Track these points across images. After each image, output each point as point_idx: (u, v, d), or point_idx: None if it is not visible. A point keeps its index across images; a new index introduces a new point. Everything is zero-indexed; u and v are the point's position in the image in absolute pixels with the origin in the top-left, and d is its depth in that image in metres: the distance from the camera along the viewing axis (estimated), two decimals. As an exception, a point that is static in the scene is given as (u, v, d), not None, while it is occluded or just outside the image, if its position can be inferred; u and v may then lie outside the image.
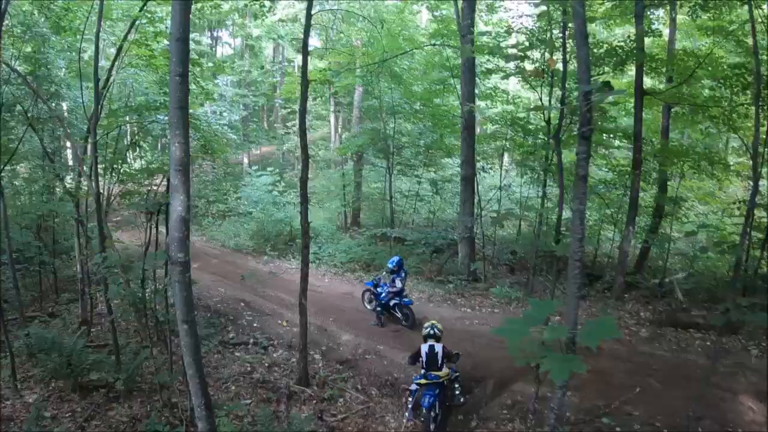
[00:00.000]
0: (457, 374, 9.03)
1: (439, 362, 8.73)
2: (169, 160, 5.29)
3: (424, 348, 8.79)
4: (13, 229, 12.62)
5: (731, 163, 17.28)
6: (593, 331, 4.55)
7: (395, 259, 12.96)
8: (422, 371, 8.74)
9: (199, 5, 13.59)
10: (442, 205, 21.96)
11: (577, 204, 5.32)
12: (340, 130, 31.38)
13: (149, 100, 12.43)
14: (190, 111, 13.48)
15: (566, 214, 17.40)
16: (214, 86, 21.82)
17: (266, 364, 10.87)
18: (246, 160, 31.48)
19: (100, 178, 10.60)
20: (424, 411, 8.43)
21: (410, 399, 8.92)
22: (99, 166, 10.50)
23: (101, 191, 10.43)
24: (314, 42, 32.66)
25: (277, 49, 34.27)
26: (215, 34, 34.48)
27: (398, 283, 12.61)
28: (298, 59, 27.91)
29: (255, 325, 13.05)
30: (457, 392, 8.91)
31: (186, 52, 5.18)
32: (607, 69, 15.24)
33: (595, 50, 14.83)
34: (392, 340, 11.86)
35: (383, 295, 12.75)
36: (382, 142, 19.82)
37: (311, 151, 33.86)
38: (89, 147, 10.56)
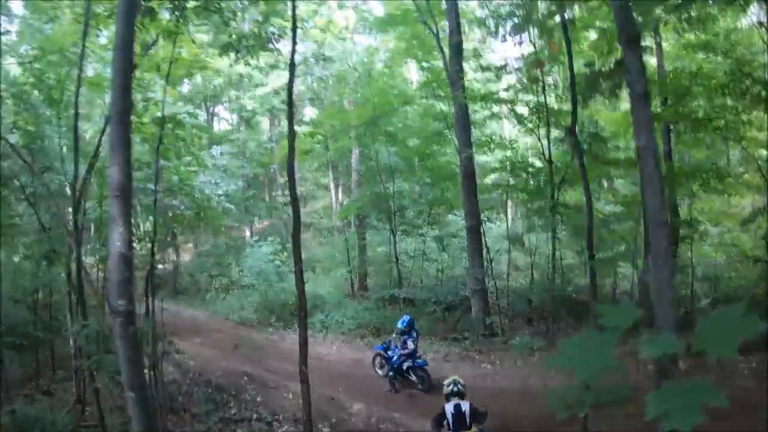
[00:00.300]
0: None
1: (468, 422, 7.53)
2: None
3: (449, 408, 7.56)
4: (7, 304, 11.92)
5: (740, 174, 16.40)
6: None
7: (405, 318, 11.96)
8: None
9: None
10: (450, 263, 20.99)
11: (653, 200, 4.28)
12: (340, 196, 30.76)
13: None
14: (187, 183, 12.88)
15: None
16: (210, 157, 21.32)
17: None
18: (248, 233, 30.72)
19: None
20: None
21: None
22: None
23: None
24: (308, 111, 32.62)
25: (273, 121, 34.02)
26: (212, 110, 34.34)
27: (410, 344, 11.57)
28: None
29: (258, 399, 11.89)
30: None
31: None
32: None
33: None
34: (409, 406, 10.74)
35: (395, 358, 11.70)
36: (383, 203, 19.14)
37: (312, 220, 33.29)
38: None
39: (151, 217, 13.69)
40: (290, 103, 8.52)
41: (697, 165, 15.93)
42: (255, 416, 10.93)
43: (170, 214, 12.96)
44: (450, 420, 7.52)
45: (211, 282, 25.15)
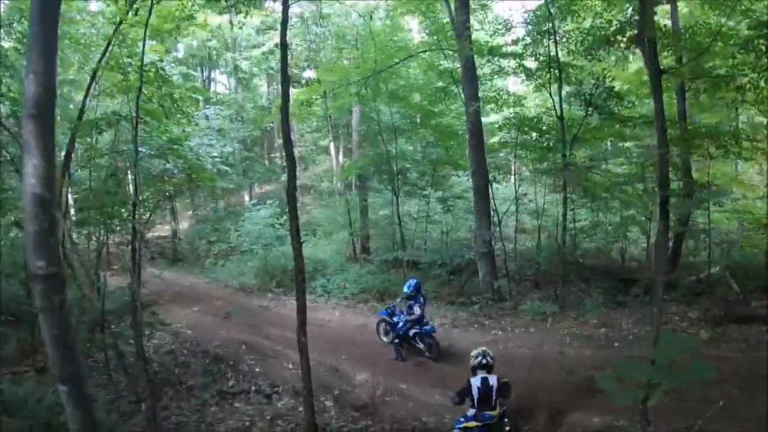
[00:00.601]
0: (504, 408, 6.99)
1: (494, 399, 6.78)
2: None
3: (476, 382, 6.80)
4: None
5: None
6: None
7: (411, 282, 11.03)
8: (472, 411, 6.78)
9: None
10: (455, 225, 20.09)
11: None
12: (341, 159, 29.68)
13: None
14: (177, 144, 11.88)
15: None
16: (205, 119, 20.21)
17: (268, 417, 8.91)
18: (247, 197, 29.78)
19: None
20: None
21: None
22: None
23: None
24: (307, 74, 31.37)
25: (270, 83, 32.76)
26: (208, 74, 32.97)
27: (417, 310, 10.70)
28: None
29: (257, 369, 11.09)
30: (507, 428, 6.93)
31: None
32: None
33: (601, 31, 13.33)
34: (417, 375, 9.90)
35: (400, 324, 10.84)
36: (385, 164, 18.18)
37: (313, 182, 32.32)
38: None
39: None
40: (284, 43, 7.45)
41: (712, 127, 14.85)
42: (254, 388, 10.13)
43: (160, 176, 11.90)
44: (476, 395, 6.74)
45: (209, 249, 24.31)
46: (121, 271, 18.10)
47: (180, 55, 26.97)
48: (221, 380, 10.62)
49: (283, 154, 32.16)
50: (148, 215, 15.22)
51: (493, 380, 6.83)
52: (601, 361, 9.42)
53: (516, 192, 16.51)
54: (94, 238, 10.46)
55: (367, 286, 16.31)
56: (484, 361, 6.96)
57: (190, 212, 30.61)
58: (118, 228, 10.26)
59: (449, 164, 18.46)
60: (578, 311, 12.35)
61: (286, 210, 21.41)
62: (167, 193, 15.05)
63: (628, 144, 16.75)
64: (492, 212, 14.87)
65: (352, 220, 20.42)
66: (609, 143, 18.08)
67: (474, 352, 7.13)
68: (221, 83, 36.26)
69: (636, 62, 18.24)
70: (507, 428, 6.89)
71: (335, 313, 14.80)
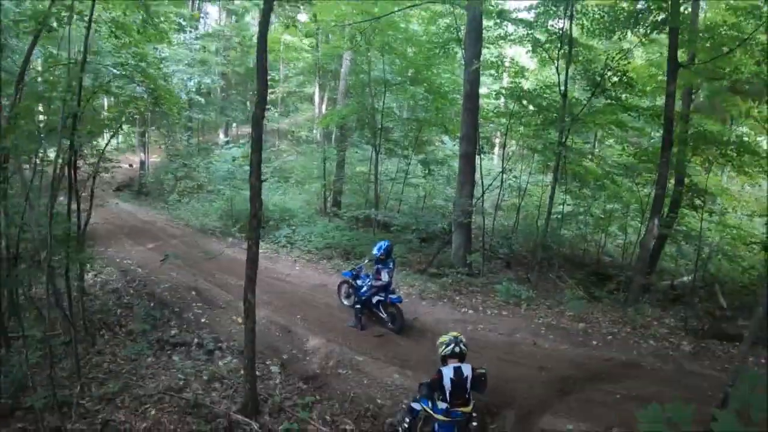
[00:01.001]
0: (474, 402, 5.97)
1: (467, 391, 5.78)
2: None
3: (448, 372, 5.75)
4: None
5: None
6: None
7: (383, 244, 9.75)
8: (443, 405, 5.77)
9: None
10: (433, 191, 18.92)
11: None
12: (324, 108, 28.00)
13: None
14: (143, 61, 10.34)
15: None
16: (185, 47, 18.53)
17: (205, 378, 7.78)
18: (222, 136, 28.07)
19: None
20: None
21: (407, 418, 6.20)
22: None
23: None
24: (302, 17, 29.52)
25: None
26: (200, 6, 30.67)
27: (385, 276, 9.52)
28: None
29: (203, 320, 9.94)
30: (475, 424, 5.87)
31: None
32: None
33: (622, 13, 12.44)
34: (375, 348, 8.78)
35: (364, 288, 9.67)
36: (369, 117, 16.78)
37: (292, 129, 30.65)
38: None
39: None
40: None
41: (718, 133, 13.91)
42: (196, 341, 9.03)
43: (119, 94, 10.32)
44: (447, 388, 5.69)
45: (176, 185, 22.74)
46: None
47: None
48: (163, 328, 9.62)
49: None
50: (108, 138, 13.78)
51: (467, 370, 5.79)
52: (578, 361, 8.49)
53: (503, 165, 15.31)
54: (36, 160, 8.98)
55: (333, 242, 15.07)
56: (456, 349, 5.88)
57: (164, 145, 28.92)
58: (48, 145, 8.71)
59: (437, 126, 17.09)
60: (553, 300, 11.35)
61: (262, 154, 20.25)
62: (131, 116, 13.55)
63: (627, 134, 15.86)
64: (478, 181, 13.75)
65: (327, 172, 18.98)
66: (605, 132, 17.01)
67: (444, 338, 6.02)
68: (213, 17, 34.02)
69: (643, 56, 17.09)
70: (474, 424, 5.84)
71: (296, 266, 13.59)
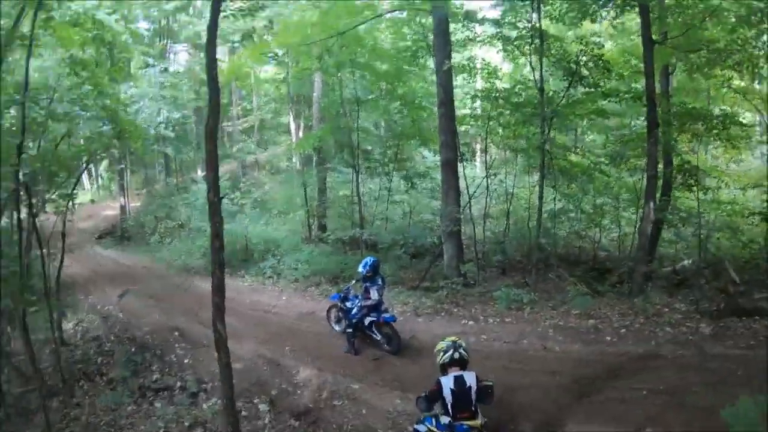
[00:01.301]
0: (486, 420, 5.19)
1: (473, 402, 5.03)
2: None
3: (448, 382, 5.04)
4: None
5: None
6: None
7: (368, 260, 9.03)
8: (446, 419, 5.03)
9: None
10: (418, 207, 18.21)
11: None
12: (301, 134, 27.30)
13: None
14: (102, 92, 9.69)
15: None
16: (150, 82, 17.93)
17: (187, 423, 7.03)
18: (200, 172, 27.23)
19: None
20: None
21: None
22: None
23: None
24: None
25: (233, 51, 30.13)
26: (167, 43, 30.07)
27: (374, 294, 8.73)
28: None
29: (186, 361, 9.22)
30: None
31: None
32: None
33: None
34: (372, 373, 7.98)
35: (354, 311, 8.88)
36: (346, 137, 16.19)
37: (271, 159, 29.95)
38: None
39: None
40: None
41: (703, 109, 13.43)
42: (179, 384, 8.32)
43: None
44: (449, 399, 4.98)
45: (156, 226, 21.88)
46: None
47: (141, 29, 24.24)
48: (145, 372, 8.96)
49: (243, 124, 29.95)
50: (74, 181, 13.17)
51: (470, 379, 5.08)
52: (593, 359, 7.71)
53: (487, 169, 14.62)
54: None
55: (320, 267, 14.21)
56: (456, 356, 5.20)
57: (145, 190, 28.22)
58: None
59: (416, 137, 16.44)
60: (556, 300, 10.57)
61: (240, 186, 19.45)
62: (98, 155, 12.86)
63: (609, 123, 15.32)
64: (461, 191, 13.08)
65: (309, 198, 18.20)
66: (587, 124, 16.41)
67: (441, 345, 5.35)
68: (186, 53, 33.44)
69: (618, 39, 16.65)
70: None
71: (282, 296, 12.82)
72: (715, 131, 12.35)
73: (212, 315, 5.37)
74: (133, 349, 9.91)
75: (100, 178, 36.53)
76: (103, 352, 10.08)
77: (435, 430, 5.15)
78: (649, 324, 8.95)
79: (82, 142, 11.28)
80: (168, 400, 7.90)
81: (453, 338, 5.42)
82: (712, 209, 13.36)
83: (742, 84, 14.43)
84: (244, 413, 6.97)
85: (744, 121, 13.66)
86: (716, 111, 13.48)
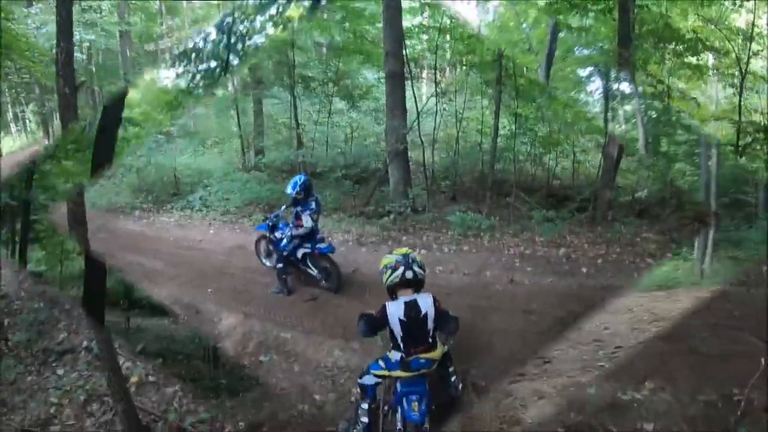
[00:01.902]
0: (447, 349, 4.04)
1: (430, 332, 3.81)
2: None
3: (396, 309, 3.78)
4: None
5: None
6: None
7: (298, 179, 7.37)
8: (397, 354, 3.82)
9: None
10: (362, 132, 16.56)
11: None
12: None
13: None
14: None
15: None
16: None
17: (83, 397, 5.40)
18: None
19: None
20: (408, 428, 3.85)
21: (363, 406, 4.06)
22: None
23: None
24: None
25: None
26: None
27: (307, 220, 7.09)
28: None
29: (96, 313, 7.48)
30: (453, 378, 4.05)
31: None
32: None
33: None
34: (308, 317, 6.55)
35: (284, 241, 7.24)
36: (282, 55, 14.28)
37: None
38: None
39: None
40: None
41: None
42: (85, 344, 6.86)
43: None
44: (398, 331, 3.74)
45: (84, 162, 19.51)
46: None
47: None
48: (50, 334, 7.42)
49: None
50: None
51: (425, 303, 3.82)
52: (571, 294, 6.47)
53: (436, 85, 13.05)
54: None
55: (254, 196, 12.71)
56: (409, 274, 3.88)
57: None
58: None
59: (358, 53, 14.60)
60: (517, 227, 9.35)
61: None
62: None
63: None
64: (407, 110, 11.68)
65: (244, 124, 16.26)
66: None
67: (388, 259, 4.02)
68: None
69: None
70: (453, 378, 4.05)
71: (210, 230, 11.29)
72: (691, 51, 11.41)
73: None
74: (41, 304, 8.25)
75: (27, 122, 33.21)
76: (10, 311, 8.32)
77: (387, 371, 3.89)
78: (626, 254, 7.96)
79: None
80: (71, 365, 6.47)
81: (404, 250, 4.07)
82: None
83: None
84: (151, 378, 5.44)
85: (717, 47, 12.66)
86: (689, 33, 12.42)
